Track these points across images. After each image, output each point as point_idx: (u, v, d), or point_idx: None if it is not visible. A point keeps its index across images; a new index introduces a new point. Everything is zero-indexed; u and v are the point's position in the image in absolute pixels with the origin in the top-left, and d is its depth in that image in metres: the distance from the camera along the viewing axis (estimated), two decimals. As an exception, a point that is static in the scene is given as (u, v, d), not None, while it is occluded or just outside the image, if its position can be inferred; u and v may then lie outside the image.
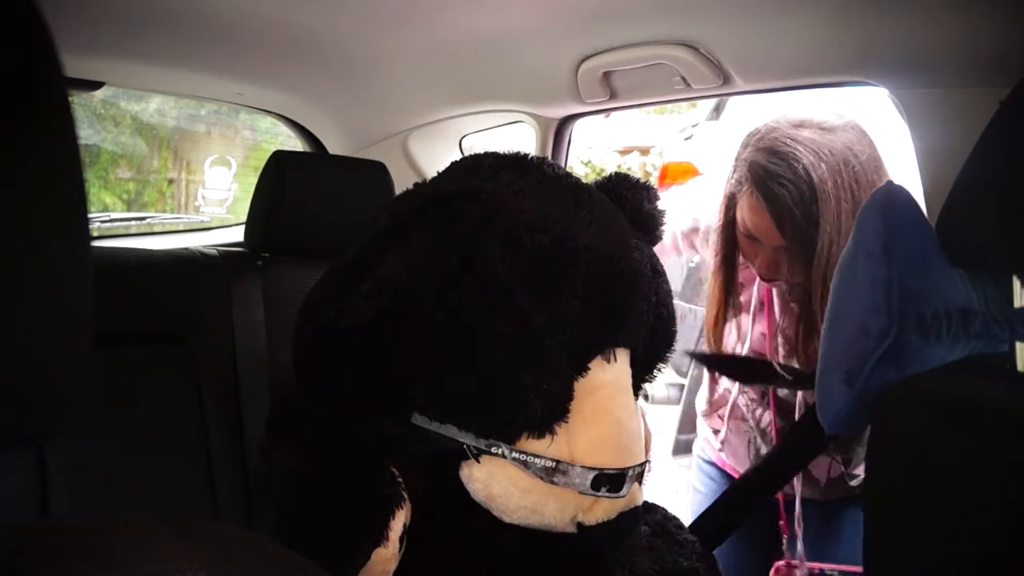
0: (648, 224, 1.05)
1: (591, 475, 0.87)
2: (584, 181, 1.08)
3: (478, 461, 0.88)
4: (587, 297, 0.89)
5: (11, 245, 0.33)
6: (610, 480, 0.88)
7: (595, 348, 0.91)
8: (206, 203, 3.03)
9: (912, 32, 0.98)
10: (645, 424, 1.03)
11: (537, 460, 0.87)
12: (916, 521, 0.69)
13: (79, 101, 2.04)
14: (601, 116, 1.71)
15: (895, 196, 0.73)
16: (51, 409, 0.37)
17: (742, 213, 1.18)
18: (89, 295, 0.36)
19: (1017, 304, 0.76)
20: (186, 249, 1.32)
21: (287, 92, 1.64)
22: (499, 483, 0.88)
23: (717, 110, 3.72)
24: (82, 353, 0.37)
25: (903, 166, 1.13)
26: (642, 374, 1.02)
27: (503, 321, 0.85)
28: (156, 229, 2.26)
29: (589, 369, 0.90)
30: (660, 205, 1.07)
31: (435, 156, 1.76)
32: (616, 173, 1.11)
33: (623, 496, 0.90)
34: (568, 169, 1.22)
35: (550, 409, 0.87)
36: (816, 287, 1.13)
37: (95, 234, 1.86)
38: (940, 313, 0.70)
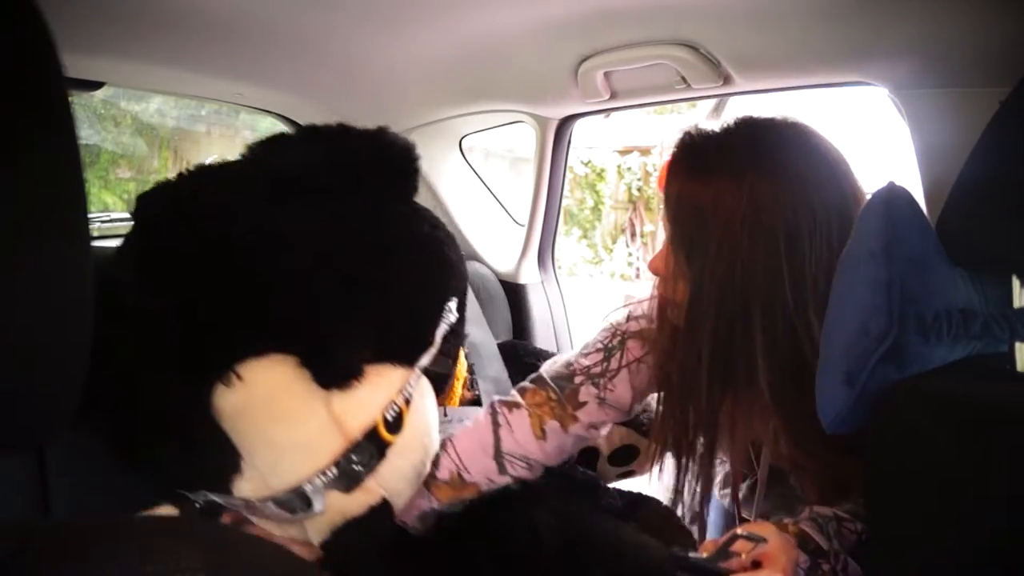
0: (322, 178, 0.85)
1: (268, 505, 0.79)
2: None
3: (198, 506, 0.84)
4: (165, 336, 0.77)
5: (11, 245, 0.32)
6: (290, 502, 0.79)
7: (204, 377, 0.78)
8: (206, 203, 3.02)
9: (912, 32, 0.98)
10: (411, 403, 0.87)
11: (231, 500, 0.82)
12: (916, 521, 0.69)
13: (79, 101, 2.03)
14: (601, 116, 1.70)
15: (896, 196, 0.73)
16: (52, 409, 0.37)
17: None
18: (89, 295, 0.36)
19: (1017, 304, 0.76)
20: (186, 249, 1.32)
21: (287, 92, 1.63)
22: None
23: (717, 110, 3.72)
24: (83, 353, 0.37)
25: (903, 166, 1.12)
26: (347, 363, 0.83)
27: (127, 390, 0.78)
28: (156, 229, 2.25)
29: (211, 403, 0.78)
30: (321, 158, 0.85)
31: (435, 156, 1.75)
32: (269, 137, 0.89)
33: (318, 512, 0.79)
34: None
35: (188, 459, 0.81)
36: (681, 340, 0.88)
37: (95, 234, 1.86)
38: (940, 313, 0.70)
